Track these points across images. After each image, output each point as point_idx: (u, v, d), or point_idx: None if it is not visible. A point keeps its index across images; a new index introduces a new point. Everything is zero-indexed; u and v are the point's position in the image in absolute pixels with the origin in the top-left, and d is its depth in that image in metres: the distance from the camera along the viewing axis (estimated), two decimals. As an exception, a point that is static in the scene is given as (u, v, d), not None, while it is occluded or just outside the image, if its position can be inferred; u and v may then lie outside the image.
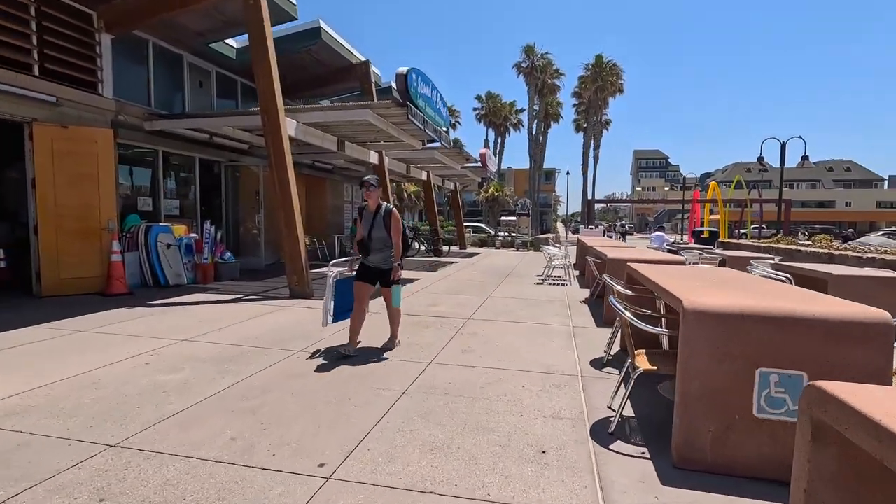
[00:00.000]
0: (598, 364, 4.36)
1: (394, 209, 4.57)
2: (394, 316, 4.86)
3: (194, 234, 9.47)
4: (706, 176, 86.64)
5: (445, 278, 10.44)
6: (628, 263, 4.71)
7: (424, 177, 16.36)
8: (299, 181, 14.44)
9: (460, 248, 20.63)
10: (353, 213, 17.68)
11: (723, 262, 9.33)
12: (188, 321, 5.76)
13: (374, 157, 11.53)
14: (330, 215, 16.03)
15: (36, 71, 7.18)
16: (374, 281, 4.67)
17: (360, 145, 11.07)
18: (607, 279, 4.45)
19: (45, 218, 7.15)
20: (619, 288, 4.29)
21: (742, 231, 36.01)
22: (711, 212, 39.48)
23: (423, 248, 16.43)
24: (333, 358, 4.36)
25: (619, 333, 4.55)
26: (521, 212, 21.81)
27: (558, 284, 9.81)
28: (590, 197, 44.62)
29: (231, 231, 11.51)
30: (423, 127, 8.51)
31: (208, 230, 9.16)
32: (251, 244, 11.47)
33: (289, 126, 7.89)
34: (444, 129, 10.40)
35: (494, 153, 51.51)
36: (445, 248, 16.63)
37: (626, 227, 58.18)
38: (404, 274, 11.20)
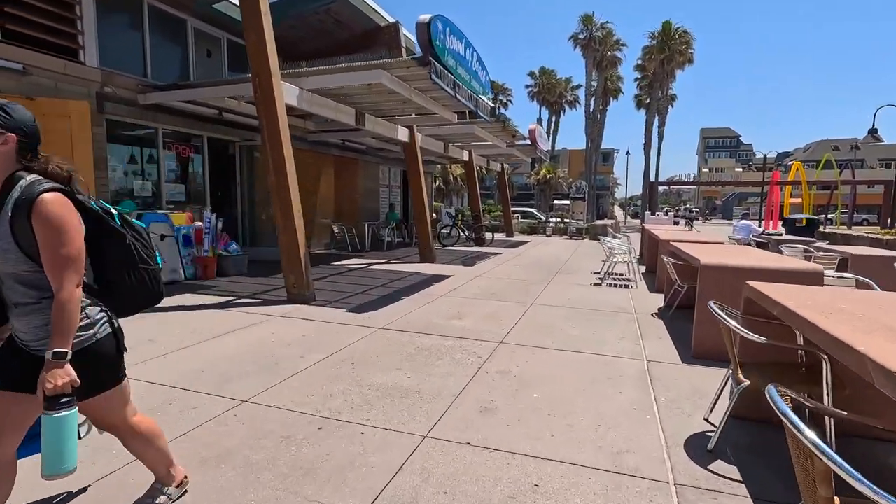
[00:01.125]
0: (698, 449, 2.66)
1: (52, 194, 1.53)
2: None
3: (200, 223, 8.41)
4: (784, 156, 79.23)
5: (482, 275, 8.84)
6: (751, 284, 2.92)
7: (466, 157, 14.68)
8: (326, 162, 13.21)
9: (507, 236, 18.88)
10: (389, 197, 16.39)
11: (843, 263, 7.16)
12: (133, 338, 4.53)
13: (403, 134, 10.02)
14: (362, 200, 14.76)
15: (-3, 34, 6.16)
16: (24, 381, 1.62)
17: (387, 119, 9.58)
18: (715, 309, 2.72)
19: (13, 206, 6.17)
20: (735, 326, 2.55)
21: (828, 217, 32.39)
22: (791, 195, 35.32)
23: (463, 236, 14.85)
24: (285, 419, 2.92)
25: (732, 390, 2.82)
26: (576, 195, 19.65)
27: (621, 286, 7.96)
28: (652, 179, 41.12)
29: (247, 219, 10.43)
30: (452, 92, 6.85)
31: (208, 219, 8.03)
32: (270, 233, 10.34)
33: (287, 93, 6.50)
34: (485, 97, 8.68)
35: (548, 133, 48.70)
36: (489, 236, 14.96)
37: (692, 211, 53.44)
38: (432, 269, 9.44)
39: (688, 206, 77.68)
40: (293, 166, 6.22)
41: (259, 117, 6.14)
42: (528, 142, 14.81)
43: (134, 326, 4.96)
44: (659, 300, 6.71)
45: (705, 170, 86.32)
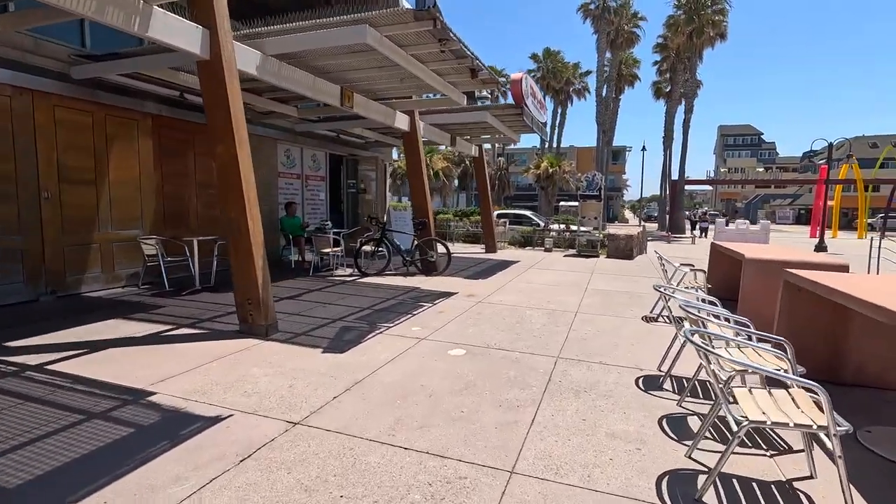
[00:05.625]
0: None
1: None
2: None
3: None
4: (810, 155, 72.89)
5: (325, 408, 2.92)
6: None
7: (405, 125, 8.70)
8: (132, 125, 7.03)
9: (486, 251, 12.93)
10: (304, 192, 10.53)
11: None
12: None
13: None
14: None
15: None
16: None
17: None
18: None
19: None
20: None
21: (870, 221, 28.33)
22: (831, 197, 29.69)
23: (390, 258, 8.80)
24: None
25: None
26: (588, 192, 13.72)
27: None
28: (675, 178, 34.97)
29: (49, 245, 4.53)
30: None
31: None
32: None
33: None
34: None
35: (554, 127, 42.64)
36: (443, 253, 8.96)
37: (708, 214, 45.41)
38: (221, 368, 2.90)
39: (704, 209, 71.51)
40: None
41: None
42: (513, 100, 8.86)
43: None
44: None
45: (724, 170, 79.69)
